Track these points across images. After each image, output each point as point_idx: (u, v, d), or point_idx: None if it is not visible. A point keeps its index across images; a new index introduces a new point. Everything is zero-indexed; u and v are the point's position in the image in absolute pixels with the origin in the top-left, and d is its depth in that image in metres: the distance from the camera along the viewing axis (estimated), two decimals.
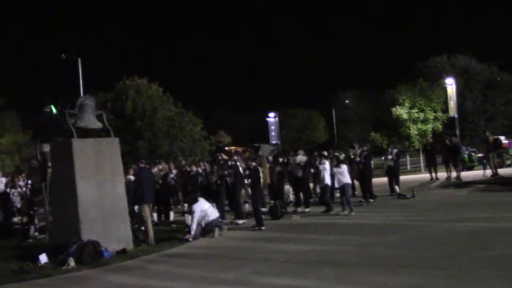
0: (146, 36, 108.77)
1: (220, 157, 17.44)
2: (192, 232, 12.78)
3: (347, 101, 69.40)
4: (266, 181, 16.65)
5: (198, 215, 13.02)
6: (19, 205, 16.06)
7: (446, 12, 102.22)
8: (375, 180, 20.39)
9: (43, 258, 10.48)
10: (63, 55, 32.45)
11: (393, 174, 19.41)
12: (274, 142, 51.28)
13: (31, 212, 15.52)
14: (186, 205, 19.38)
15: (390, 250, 9.78)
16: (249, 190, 15.56)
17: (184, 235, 12.94)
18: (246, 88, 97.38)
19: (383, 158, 20.97)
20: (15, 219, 15.38)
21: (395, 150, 19.79)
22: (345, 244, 10.69)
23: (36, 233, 14.78)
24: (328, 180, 16.32)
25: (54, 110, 12.86)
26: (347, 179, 15.70)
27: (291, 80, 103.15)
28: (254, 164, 15.01)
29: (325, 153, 18.02)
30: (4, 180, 18.67)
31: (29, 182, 15.52)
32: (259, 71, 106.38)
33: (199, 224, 13.02)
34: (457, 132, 33.29)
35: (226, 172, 16.29)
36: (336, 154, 16.89)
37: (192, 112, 35.72)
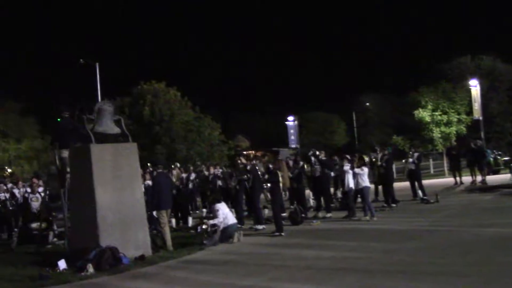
0: (165, 40, 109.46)
1: (239, 162, 17.46)
2: (219, 223, 13.01)
3: (367, 104, 69.02)
4: (286, 185, 16.61)
5: (221, 214, 13.18)
6: (37, 211, 16.25)
7: (470, 12, 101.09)
8: (397, 185, 20.23)
9: (62, 264, 10.59)
10: (81, 60, 32.89)
11: (415, 178, 19.21)
12: (293, 146, 51.26)
13: (50, 218, 15.71)
14: (204, 210, 19.51)
15: (413, 256, 9.68)
16: (269, 194, 15.54)
17: (204, 239, 12.98)
18: (265, 91, 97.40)
19: (403, 161, 20.76)
20: (34, 225, 15.56)
21: (416, 154, 19.59)
22: (368, 250, 10.60)
23: (55, 239, 14.96)
24: (352, 184, 16.18)
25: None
26: (366, 182, 15.60)
27: (311, 82, 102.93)
28: (273, 168, 15.00)
29: (348, 156, 17.91)
30: (21, 189, 18.86)
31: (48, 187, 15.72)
32: (278, 74, 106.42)
33: (218, 229, 13.10)
34: (482, 135, 32.88)
35: (245, 176, 16.31)
36: (362, 156, 16.80)
37: (210, 117, 35.93)
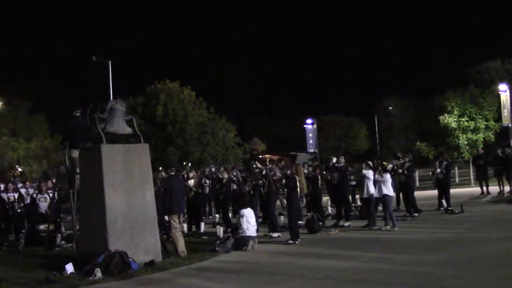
0: (180, 39, 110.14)
1: (254, 166, 17.44)
2: (244, 232, 13.11)
3: (390, 108, 68.59)
4: (303, 190, 16.54)
5: (245, 222, 13.21)
6: (45, 212, 16.40)
7: (501, 14, 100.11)
8: (421, 193, 20.10)
9: (70, 268, 10.66)
10: (93, 57, 33.16)
11: (443, 187, 18.98)
12: (311, 150, 51.14)
13: (58, 220, 15.83)
14: (217, 216, 19.52)
15: (436, 269, 9.58)
16: (285, 201, 15.50)
17: (217, 246, 12.98)
18: (283, 93, 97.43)
19: (430, 173, 20.53)
20: (42, 227, 15.68)
21: (445, 163, 19.37)
22: (388, 262, 10.51)
23: (63, 242, 15.05)
24: (372, 191, 16.05)
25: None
26: (389, 190, 15.48)
27: (331, 85, 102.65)
28: (290, 173, 14.95)
29: (370, 162, 17.81)
30: (29, 189, 19.05)
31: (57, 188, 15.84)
32: (297, 75, 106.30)
33: (230, 236, 13.12)
34: (511, 142, 32.45)
35: (260, 181, 16.28)
36: (384, 163, 16.66)
37: (225, 118, 35.95)
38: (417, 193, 18.91)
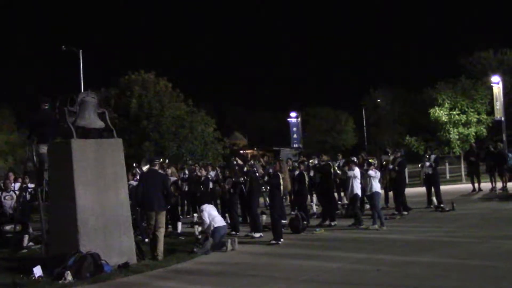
0: (155, 28, 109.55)
1: (234, 162, 17.46)
2: (206, 227, 13.35)
3: (379, 101, 69.01)
4: (287, 188, 16.62)
5: (207, 216, 13.44)
6: (11, 211, 16.24)
7: (493, 4, 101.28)
8: (410, 190, 20.27)
9: (38, 271, 10.58)
10: (63, 46, 32.84)
11: (432, 183, 19.19)
12: (296, 145, 51.29)
13: (26, 220, 15.69)
14: (195, 215, 19.51)
15: (426, 270, 9.69)
16: (267, 199, 15.55)
17: (195, 247, 13.00)
18: (266, 84, 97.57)
19: (419, 165, 20.71)
20: (8, 227, 15.55)
21: (433, 156, 19.59)
22: (376, 262, 10.61)
23: (31, 243, 14.94)
24: (358, 189, 16.22)
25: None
26: (377, 187, 15.62)
27: (317, 75, 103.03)
28: (273, 169, 15.00)
29: (354, 158, 17.94)
30: None
31: (30, 186, 15.70)
32: (280, 65, 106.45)
33: (208, 234, 13.19)
34: (504, 137, 32.88)
35: (241, 179, 16.30)
36: (370, 161, 16.77)
37: (204, 111, 35.83)
38: (406, 190, 19.05)
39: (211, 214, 13.57)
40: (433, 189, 18.97)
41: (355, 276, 9.64)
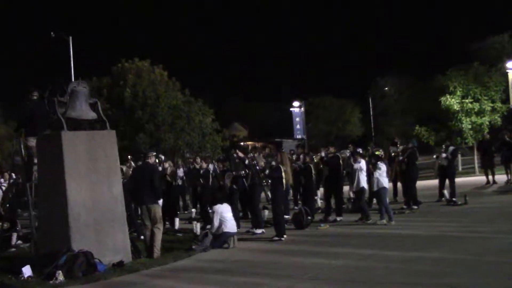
0: (149, 13, 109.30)
1: (234, 155, 17.47)
2: (213, 230, 13.17)
3: (386, 89, 68.96)
4: (290, 182, 16.62)
5: (218, 218, 13.25)
6: None
7: None
8: (421, 183, 20.21)
9: (27, 271, 10.61)
10: (52, 33, 32.76)
11: (447, 176, 19.08)
12: (299, 136, 51.36)
13: (14, 217, 15.72)
14: (194, 210, 19.55)
15: (437, 267, 9.71)
16: (269, 193, 15.56)
17: (193, 244, 13.02)
18: (267, 73, 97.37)
19: (434, 156, 20.57)
20: None
21: (451, 148, 19.47)
22: (384, 259, 10.64)
23: (19, 242, 14.98)
24: (364, 183, 16.19)
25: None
26: (385, 182, 15.62)
27: (321, 63, 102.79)
28: (275, 162, 14.99)
29: (361, 150, 17.90)
30: None
31: (18, 181, 15.72)
32: (282, 52, 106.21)
33: (211, 233, 13.17)
34: None
35: (241, 172, 16.31)
36: (377, 153, 16.67)
37: (202, 101, 35.86)
38: (417, 183, 19.00)
39: (223, 217, 13.33)
40: (447, 182, 18.91)
41: (362, 273, 9.66)
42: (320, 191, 20.02)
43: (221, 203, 13.71)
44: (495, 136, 26.74)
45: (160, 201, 12.88)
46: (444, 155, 19.22)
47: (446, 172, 19.15)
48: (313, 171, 17.67)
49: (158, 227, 12.57)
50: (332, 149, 17.97)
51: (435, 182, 20.02)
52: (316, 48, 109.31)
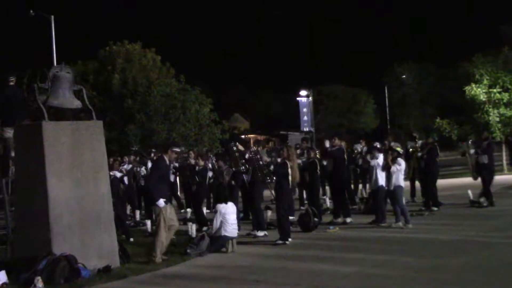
0: None
1: (234, 149, 17.47)
2: (213, 231, 13.28)
3: (404, 77, 68.84)
4: (296, 179, 16.61)
5: (220, 219, 13.30)
6: None
7: None
8: (442, 182, 20.17)
9: (2, 276, 10.62)
10: (31, 11, 32.71)
11: (485, 174, 18.52)
12: (306, 129, 51.37)
13: None
14: (189, 210, 19.56)
15: (458, 276, 9.72)
16: (273, 192, 15.56)
17: (188, 248, 13.04)
18: (271, 59, 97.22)
19: (472, 151, 20.11)
20: None
21: (485, 142, 18.92)
22: (399, 266, 10.65)
23: None
24: (382, 181, 16.04)
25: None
26: (401, 180, 15.61)
27: (331, 48, 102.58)
28: (280, 157, 14.99)
29: (378, 144, 17.85)
30: None
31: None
32: (288, 37, 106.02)
33: (208, 235, 13.21)
34: None
35: (242, 168, 16.31)
36: (397, 149, 16.58)
37: (199, 89, 35.81)
38: (437, 182, 18.94)
39: (225, 219, 13.36)
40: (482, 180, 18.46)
41: (375, 282, 9.67)
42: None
43: (226, 202, 13.72)
44: None
45: (160, 202, 12.73)
46: (472, 151, 18.77)
47: (485, 171, 18.52)
48: (318, 167, 17.57)
49: (170, 228, 12.61)
50: (337, 141, 17.78)
51: (455, 181, 19.92)
52: (325, 31, 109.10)
